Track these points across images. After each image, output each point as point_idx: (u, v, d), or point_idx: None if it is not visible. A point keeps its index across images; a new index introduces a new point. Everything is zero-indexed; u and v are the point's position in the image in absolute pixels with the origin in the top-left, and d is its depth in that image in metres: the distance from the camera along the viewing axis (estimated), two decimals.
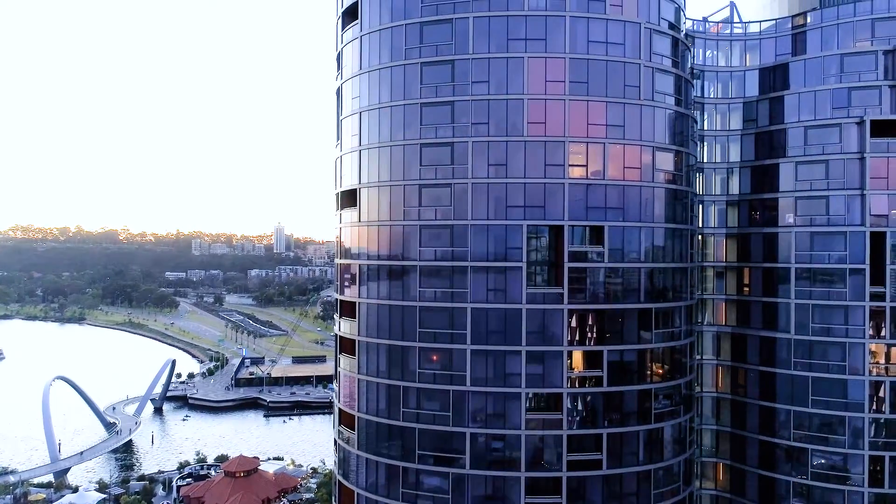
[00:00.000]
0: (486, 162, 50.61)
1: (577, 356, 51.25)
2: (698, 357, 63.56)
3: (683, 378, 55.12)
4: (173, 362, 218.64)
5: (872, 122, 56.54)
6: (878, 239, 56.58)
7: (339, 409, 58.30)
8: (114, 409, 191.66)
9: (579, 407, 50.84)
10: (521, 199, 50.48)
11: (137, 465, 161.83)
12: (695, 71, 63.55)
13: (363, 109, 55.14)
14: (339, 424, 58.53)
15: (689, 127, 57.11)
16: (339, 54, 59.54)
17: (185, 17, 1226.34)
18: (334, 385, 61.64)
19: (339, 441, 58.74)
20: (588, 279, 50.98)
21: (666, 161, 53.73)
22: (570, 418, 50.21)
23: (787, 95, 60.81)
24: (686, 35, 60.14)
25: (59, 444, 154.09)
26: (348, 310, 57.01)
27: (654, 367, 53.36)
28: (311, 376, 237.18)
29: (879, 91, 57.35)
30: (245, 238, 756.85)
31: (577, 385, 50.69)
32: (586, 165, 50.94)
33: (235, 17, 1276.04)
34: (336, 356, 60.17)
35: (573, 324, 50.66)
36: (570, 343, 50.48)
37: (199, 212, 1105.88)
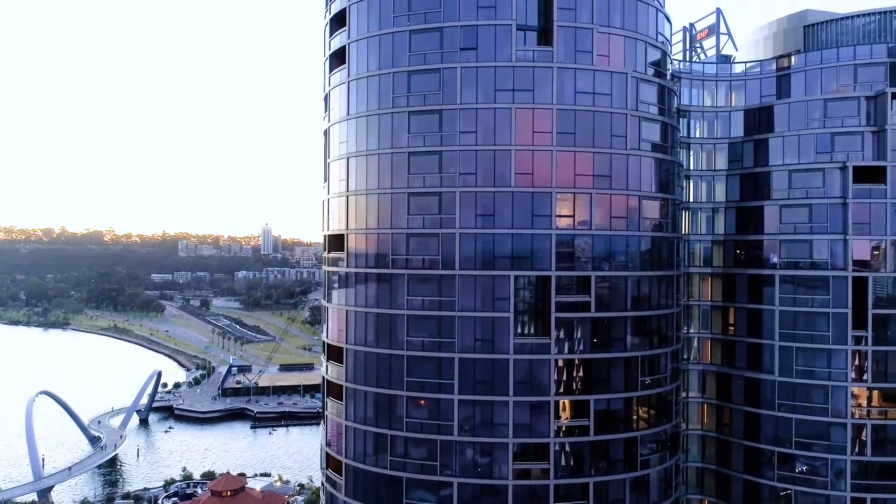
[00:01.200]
0: (474, 212, 50.67)
1: (565, 405, 51.50)
2: (684, 395, 64.05)
3: (669, 422, 55.57)
4: (159, 374, 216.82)
5: (855, 168, 57.23)
6: (860, 283, 57.32)
7: (327, 452, 58.18)
8: (99, 422, 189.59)
9: (566, 456, 51.04)
10: (508, 250, 50.63)
11: (122, 480, 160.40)
12: (681, 110, 64.03)
13: (350, 155, 54.99)
14: (327, 468, 58.40)
15: (675, 173, 57.54)
16: (326, 95, 59.30)
17: (171, 16, 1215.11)
18: (321, 426, 61.50)
19: (326, 485, 58.63)
20: (575, 328, 51.24)
21: (652, 209, 54.07)
22: (557, 467, 50.45)
23: (771, 138, 61.39)
24: (672, 75, 60.65)
25: (43, 459, 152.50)
26: (335, 354, 56.88)
27: (640, 413, 53.75)
28: (299, 385, 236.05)
29: (862, 137, 58.07)
30: (232, 239, 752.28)
31: (564, 434, 50.92)
32: (573, 216, 51.15)
33: (223, 17, 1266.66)
34: (323, 399, 60.05)
35: (560, 373, 50.91)
36: (558, 392, 50.71)
37: (186, 212, 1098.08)
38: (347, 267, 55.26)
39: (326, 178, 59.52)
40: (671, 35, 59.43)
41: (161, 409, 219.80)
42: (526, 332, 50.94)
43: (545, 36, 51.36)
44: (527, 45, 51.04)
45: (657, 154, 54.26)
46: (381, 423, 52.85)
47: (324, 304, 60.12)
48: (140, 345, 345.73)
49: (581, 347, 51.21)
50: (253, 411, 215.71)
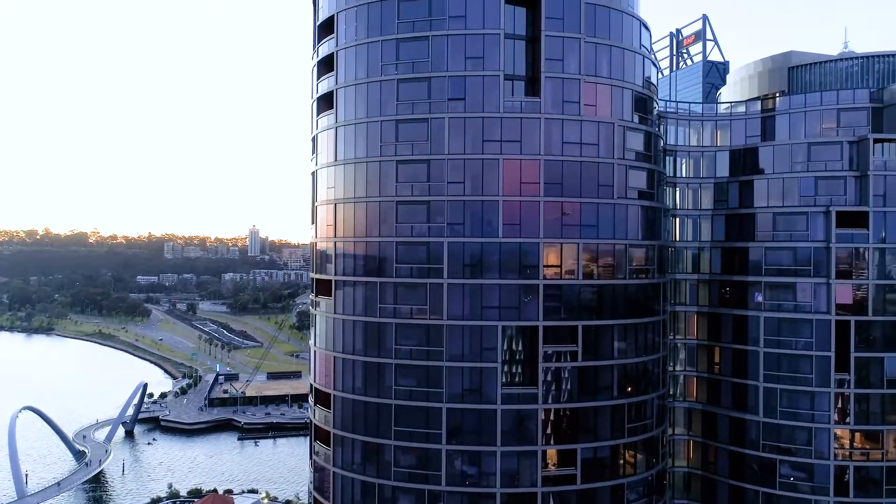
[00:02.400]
0: (462, 262, 50.75)
1: (552, 454, 51.76)
2: (670, 432, 64.60)
3: (656, 467, 56.04)
4: (145, 385, 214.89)
5: (838, 212, 57.93)
6: (842, 326, 58.05)
7: (315, 497, 58.08)
8: (84, 436, 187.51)
9: None
10: (496, 300, 50.76)
11: (107, 498, 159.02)
12: (667, 150, 64.48)
13: (338, 201, 54.88)
14: None
15: (661, 218, 57.94)
16: (314, 137, 59.09)
17: (158, 15, 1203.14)
18: (309, 470, 61.36)
19: None
20: (562, 377, 51.52)
21: (639, 256, 54.46)
22: None
23: (756, 180, 61.97)
24: (658, 115, 61.00)
25: (27, 475, 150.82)
26: (323, 399, 56.78)
27: (627, 459, 54.16)
28: (286, 395, 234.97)
29: (844, 181, 58.79)
30: (219, 241, 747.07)
31: (551, 484, 51.16)
32: (560, 265, 51.41)
33: (211, 18, 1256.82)
34: (311, 441, 59.91)
35: (548, 422, 51.16)
36: (545, 442, 50.98)
37: (172, 213, 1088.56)
38: (335, 313, 55.13)
39: (314, 221, 59.33)
40: (657, 72, 59.77)
41: (147, 420, 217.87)
42: (513, 381, 51.10)
43: (533, 85, 51.55)
44: (514, 96, 51.19)
45: (644, 201, 54.63)
46: (369, 471, 52.84)
47: (313, 349, 59.92)
48: (126, 351, 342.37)
49: (568, 396, 51.49)
50: (240, 422, 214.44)
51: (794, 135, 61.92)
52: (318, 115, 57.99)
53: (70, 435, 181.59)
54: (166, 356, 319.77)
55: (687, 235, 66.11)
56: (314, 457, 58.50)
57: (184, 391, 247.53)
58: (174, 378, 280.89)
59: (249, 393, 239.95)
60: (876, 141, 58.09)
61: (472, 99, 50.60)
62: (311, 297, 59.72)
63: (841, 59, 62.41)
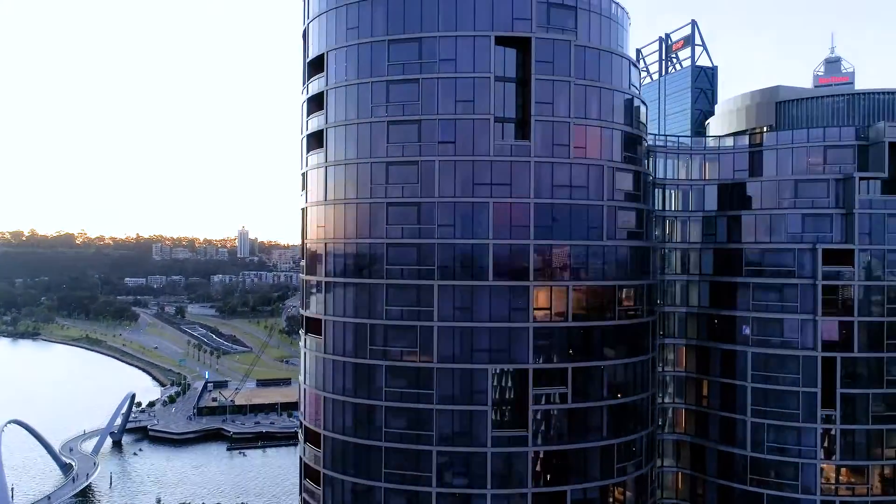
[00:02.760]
0: (453, 305, 50.78)
1: (542, 497, 51.88)
2: (659, 463, 65.02)
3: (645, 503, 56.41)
4: (132, 396, 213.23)
5: (824, 250, 58.50)
6: (829, 363, 58.68)
7: None
8: (70, 448, 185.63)
9: None
10: (486, 343, 50.86)
11: None
12: (656, 183, 64.81)
13: (328, 241, 54.74)
14: None
15: (651, 256, 58.26)
16: (304, 174, 58.87)
17: (142, 16, 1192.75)
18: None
19: None
20: (552, 419, 51.73)
21: (629, 296, 54.75)
22: None
23: (744, 215, 62.45)
24: (647, 150, 61.30)
25: (12, 488, 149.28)
26: (313, 438, 56.66)
27: (616, 497, 54.46)
28: (276, 403, 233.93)
29: (831, 219, 59.39)
30: (208, 242, 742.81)
31: None
32: (550, 308, 51.56)
33: (198, 18, 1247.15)
34: (301, 479, 59.78)
35: (538, 464, 51.34)
36: (535, 484, 51.13)
37: (160, 214, 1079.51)
38: (325, 353, 55.03)
39: (303, 257, 59.19)
40: (647, 118, 60.03)
41: (135, 430, 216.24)
42: (504, 424, 51.19)
43: (523, 128, 51.62)
44: (505, 139, 51.23)
45: (633, 241, 54.91)
46: None
47: (302, 387, 59.70)
48: (113, 357, 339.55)
49: (557, 438, 51.69)
50: (229, 432, 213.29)
51: (782, 170, 62.47)
52: (307, 152, 57.79)
53: (57, 447, 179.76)
54: (154, 362, 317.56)
55: (676, 268, 66.50)
56: (304, 494, 58.40)
57: (172, 399, 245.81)
58: (162, 385, 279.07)
59: (239, 401, 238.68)
60: (861, 179, 58.74)
61: (463, 142, 50.61)
62: (302, 343, 59.50)
63: (827, 96, 62.98)
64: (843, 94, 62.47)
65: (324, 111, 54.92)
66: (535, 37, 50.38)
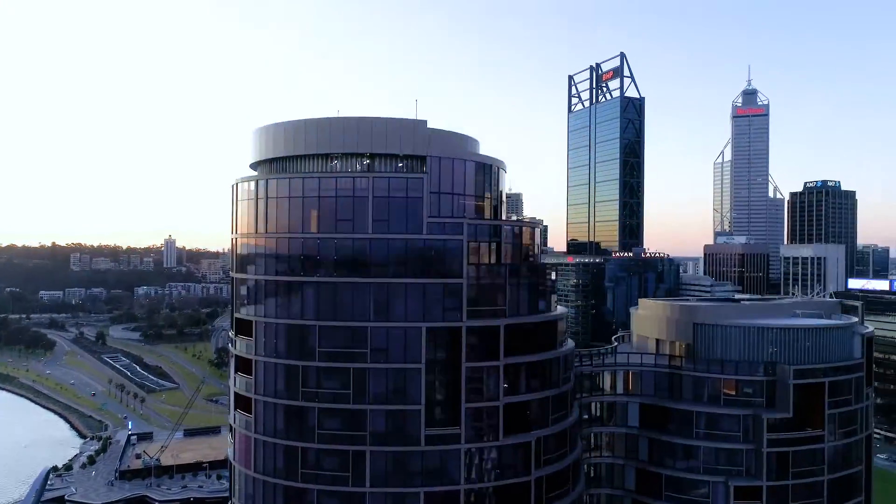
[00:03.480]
0: None
1: None
2: None
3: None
4: (48, 472, 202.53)
5: (735, 487, 62.29)
6: None
7: None
8: None
9: None
10: None
11: None
12: (582, 404, 66.92)
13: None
14: None
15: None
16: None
17: (69, 14, 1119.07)
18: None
19: None
20: None
21: None
22: None
23: (664, 439, 65.54)
24: (574, 377, 62.90)
25: None
26: None
27: None
28: (205, 463, 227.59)
29: (743, 454, 63.23)
30: (131, 251, 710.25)
31: None
32: None
33: (123, 15, 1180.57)
34: None
35: None
36: None
37: (79, 221, 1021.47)
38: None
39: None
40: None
41: (51, 501, 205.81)
42: None
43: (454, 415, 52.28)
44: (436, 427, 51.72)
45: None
46: None
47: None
48: (26, 398, 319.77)
49: None
50: (155, 500, 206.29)
51: (698, 393, 65.87)
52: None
53: None
54: (73, 405, 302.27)
55: (601, 482, 69.04)
56: None
57: (92, 460, 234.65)
58: (82, 437, 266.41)
59: (166, 458, 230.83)
60: (768, 419, 62.68)
61: (395, 434, 50.90)
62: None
63: (739, 327, 66.56)
64: (754, 327, 66.21)
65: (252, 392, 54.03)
66: None
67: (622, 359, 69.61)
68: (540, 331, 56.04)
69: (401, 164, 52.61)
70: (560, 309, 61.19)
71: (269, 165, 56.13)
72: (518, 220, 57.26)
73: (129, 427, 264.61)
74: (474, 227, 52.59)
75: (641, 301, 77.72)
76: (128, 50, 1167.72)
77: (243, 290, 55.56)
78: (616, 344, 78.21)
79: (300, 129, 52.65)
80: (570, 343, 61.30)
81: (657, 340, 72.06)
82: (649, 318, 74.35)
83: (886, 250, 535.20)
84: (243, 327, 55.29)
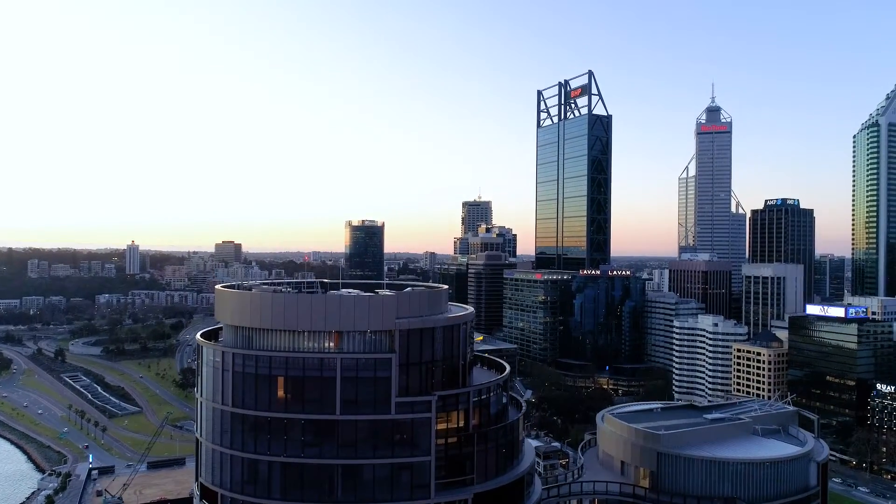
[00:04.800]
0: None
1: None
2: None
3: None
4: None
5: None
6: None
7: None
8: None
9: None
10: None
11: None
12: None
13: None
14: None
15: None
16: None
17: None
18: None
19: None
20: None
21: None
22: None
23: None
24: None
25: None
26: None
27: None
28: (169, 501, 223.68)
29: None
30: (92, 255, 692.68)
31: None
32: None
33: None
34: None
35: None
36: None
37: (35, 225, 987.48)
38: None
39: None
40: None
41: None
42: None
43: None
44: None
45: None
46: None
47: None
48: None
49: None
50: None
51: None
52: None
53: None
54: (31, 434, 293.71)
55: None
56: None
57: (51, 500, 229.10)
58: (41, 471, 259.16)
59: (128, 498, 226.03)
60: None
61: None
62: None
63: (701, 460, 68.21)
64: (715, 461, 67.96)
65: None
66: None
67: (588, 487, 70.65)
68: (509, 487, 56.55)
69: (370, 336, 52.42)
70: (534, 443, 61.95)
71: (235, 330, 55.32)
72: (489, 381, 57.45)
73: (90, 460, 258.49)
74: (443, 400, 52.72)
75: (607, 417, 78.88)
76: (81, 47, 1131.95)
77: (208, 458, 54.78)
78: (581, 458, 79.31)
79: (266, 304, 52.01)
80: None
81: (622, 462, 73.32)
82: (615, 437, 75.58)
83: (842, 260, 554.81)
84: (208, 495, 54.56)
